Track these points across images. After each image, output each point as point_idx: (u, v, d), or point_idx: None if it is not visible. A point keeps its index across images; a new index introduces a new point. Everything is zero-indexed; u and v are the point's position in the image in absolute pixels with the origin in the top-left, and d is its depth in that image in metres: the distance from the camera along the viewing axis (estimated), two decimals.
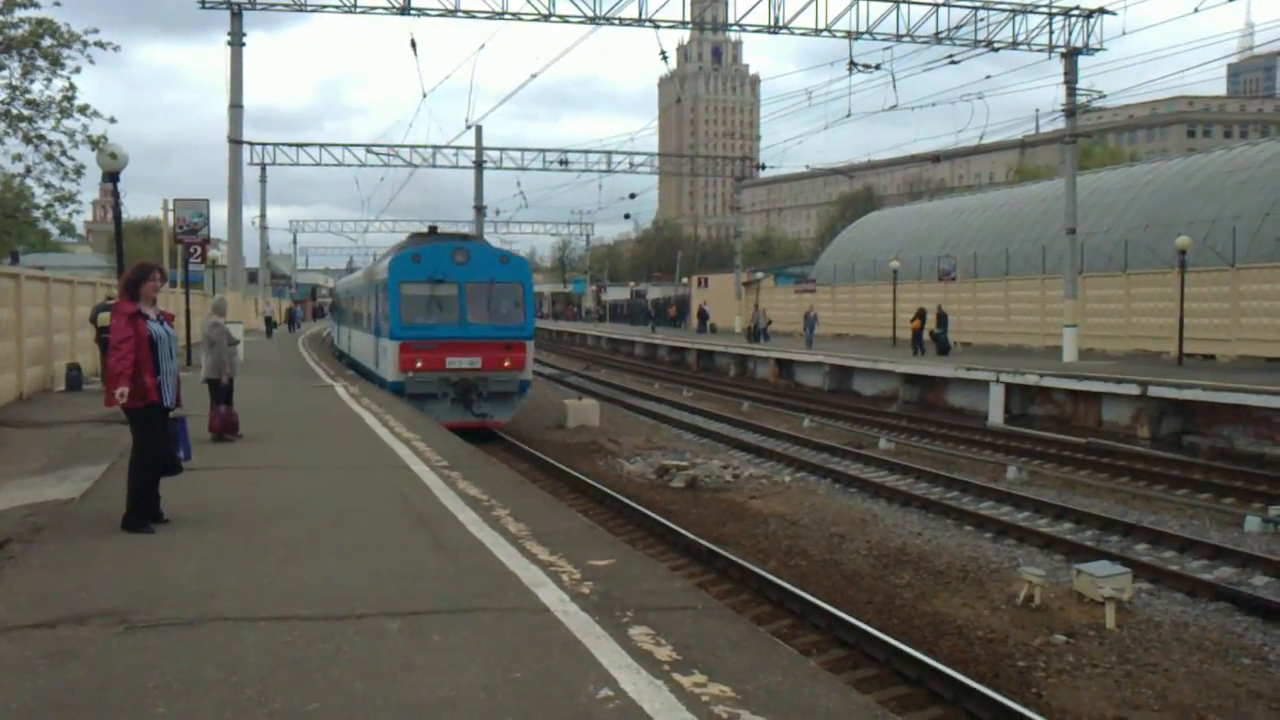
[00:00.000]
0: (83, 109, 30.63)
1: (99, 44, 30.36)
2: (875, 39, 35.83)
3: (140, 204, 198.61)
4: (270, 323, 63.94)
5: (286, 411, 20.53)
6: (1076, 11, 35.83)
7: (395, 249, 30.04)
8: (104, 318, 23.08)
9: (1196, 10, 30.67)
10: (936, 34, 35.81)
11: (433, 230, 31.95)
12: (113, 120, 31.64)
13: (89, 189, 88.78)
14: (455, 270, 25.81)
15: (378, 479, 12.80)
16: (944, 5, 35.59)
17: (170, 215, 37.82)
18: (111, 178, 21.61)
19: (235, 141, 33.79)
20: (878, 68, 36.37)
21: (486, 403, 25.78)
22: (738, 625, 7.17)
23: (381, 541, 9.45)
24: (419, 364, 25.10)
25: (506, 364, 25.69)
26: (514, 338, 26.00)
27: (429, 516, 10.57)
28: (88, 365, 27.90)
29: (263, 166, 62.03)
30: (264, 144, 56.71)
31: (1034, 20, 35.92)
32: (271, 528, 10.00)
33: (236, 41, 32.87)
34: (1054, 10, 35.76)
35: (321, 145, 56.27)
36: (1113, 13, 35.62)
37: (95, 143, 28.99)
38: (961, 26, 35.84)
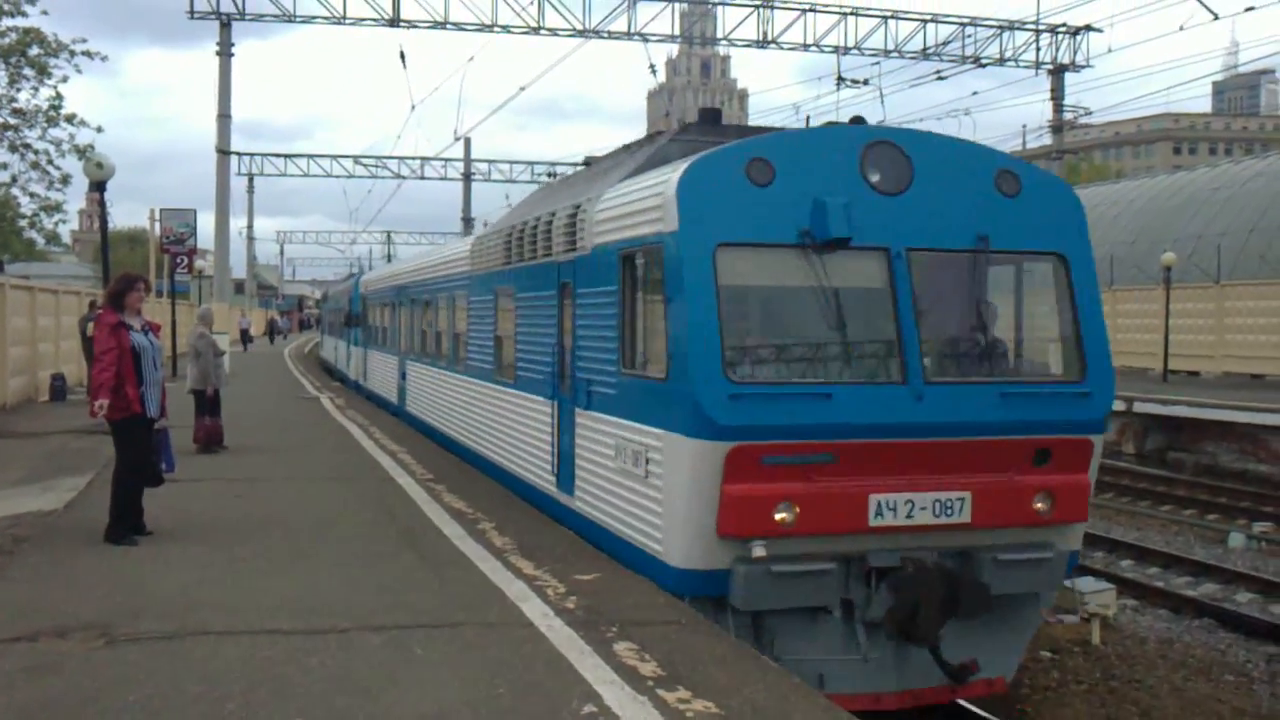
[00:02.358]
0: (69, 118, 30.58)
1: (86, 53, 30.35)
2: (864, 54, 35.97)
3: (128, 213, 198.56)
4: (246, 336, 57.68)
5: (272, 423, 20.45)
6: (1063, 28, 36.08)
7: (646, 150, 11.14)
8: (91, 327, 22.98)
9: (1181, 28, 30.93)
10: (924, 50, 36.00)
11: (710, 116, 11.56)
12: (99, 129, 31.60)
13: (75, 198, 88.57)
14: (875, 210, 8.67)
15: (362, 491, 12.75)
16: (932, 21, 35.81)
17: (157, 225, 37.72)
18: (98, 187, 21.51)
19: (223, 152, 33.70)
20: (866, 83, 36.45)
21: (976, 626, 8.90)
22: (722, 641, 7.17)
23: (365, 555, 9.41)
24: (784, 516, 8.19)
25: (1039, 507, 8.81)
26: (1061, 424, 8.91)
27: (413, 529, 10.53)
28: (72, 375, 27.77)
29: (250, 177, 61.70)
30: (252, 154, 56.44)
31: (1021, 37, 36.17)
32: (255, 540, 9.96)
33: (225, 52, 32.81)
34: (1041, 27, 36.03)
35: (309, 156, 56.11)
36: (1099, 30, 35.97)
37: (82, 152, 28.91)
38: (949, 42, 36.05)
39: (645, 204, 8.93)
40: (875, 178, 8.62)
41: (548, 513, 11.33)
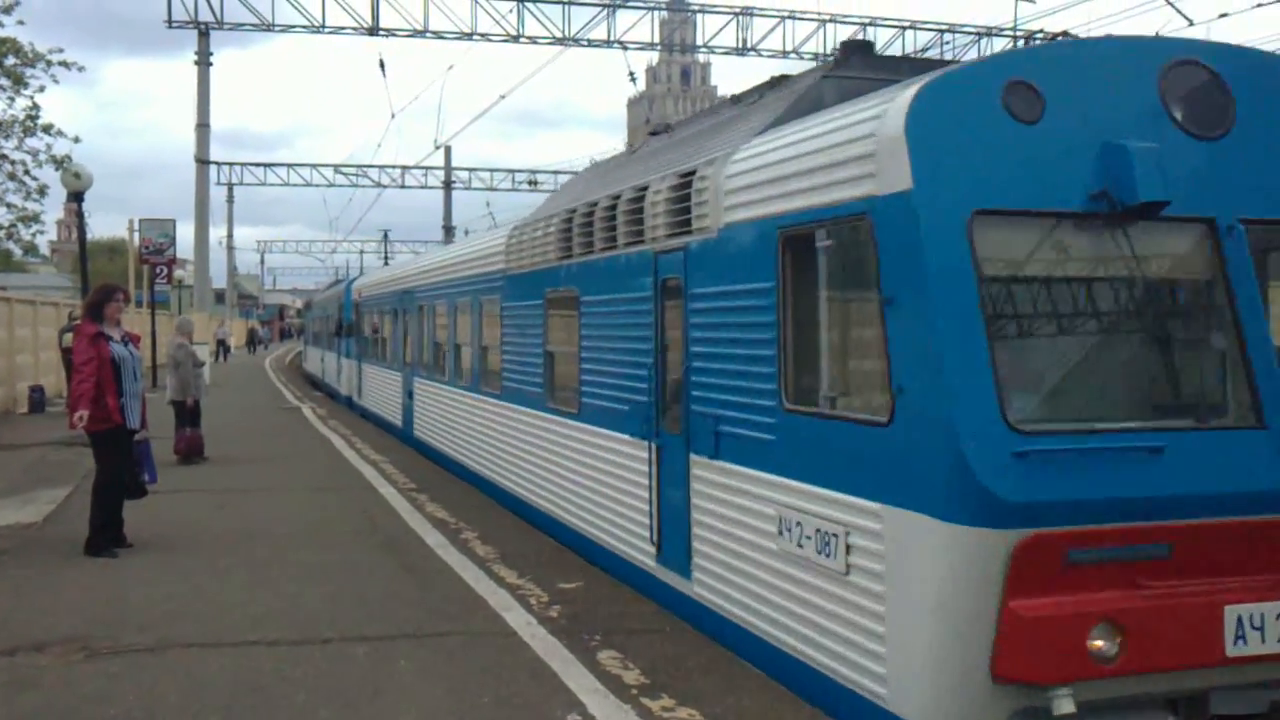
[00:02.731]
0: (46, 128, 30.36)
1: (64, 63, 30.11)
2: None
3: (108, 223, 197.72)
4: (223, 345, 53.88)
5: (253, 434, 20.36)
6: (1041, 35, 36.31)
7: (786, 94, 8.16)
8: (69, 338, 22.85)
9: (1157, 35, 31.20)
10: (903, 56, 36.22)
11: (862, 48, 8.57)
12: (77, 140, 31.38)
13: (53, 208, 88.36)
14: (1189, 161, 5.61)
15: (345, 501, 12.71)
16: (911, 28, 36.06)
17: (136, 235, 37.53)
18: (76, 197, 21.44)
19: (202, 161, 33.62)
20: None
21: None
22: (707, 648, 7.15)
23: (348, 565, 9.37)
24: (1102, 644, 5.04)
25: None
26: None
27: (396, 539, 10.50)
28: (51, 387, 27.59)
29: (230, 186, 61.76)
30: (231, 164, 56.36)
31: (999, 43, 36.39)
32: (237, 551, 9.90)
33: (203, 61, 32.77)
34: (1019, 33, 36.27)
35: (289, 165, 56.03)
36: (1076, 36, 36.26)
37: (59, 162, 28.74)
38: (928, 49, 36.28)
39: (835, 155, 5.89)
40: (1182, 113, 5.65)
41: (645, 593, 8.34)
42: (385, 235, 72.58)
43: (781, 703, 6.09)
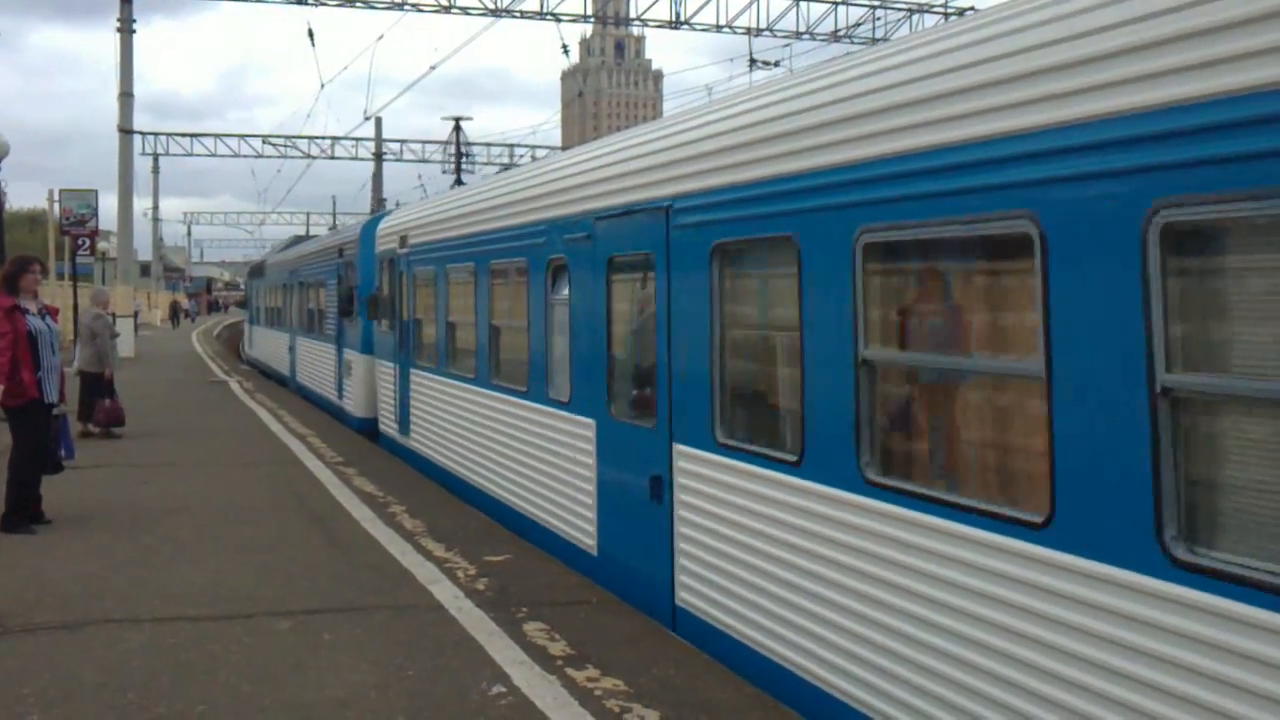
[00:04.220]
0: None
1: None
2: (775, 36, 36.31)
3: (29, 193, 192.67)
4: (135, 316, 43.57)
5: (178, 407, 20.04)
6: (971, 12, 36.71)
7: None
8: None
9: None
10: (835, 32, 36.42)
11: None
12: None
13: None
14: None
15: (271, 475, 12.58)
16: (842, 4, 36.21)
17: (56, 206, 36.62)
18: None
19: (126, 131, 32.87)
20: (777, 64, 36.82)
21: None
22: (632, 620, 7.20)
23: (273, 540, 9.29)
24: None
25: None
26: None
27: (322, 513, 10.42)
28: None
29: (155, 157, 60.63)
30: (156, 134, 55.15)
31: (930, 20, 36.68)
32: (159, 527, 9.77)
33: (126, 28, 31.99)
34: (949, 11, 36.57)
35: (216, 135, 55.05)
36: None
37: None
38: (859, 25, 36.50)
39: None
40: None
41: None
42: (457, 123, 44.90)
43: (707, 673, 6.16)
